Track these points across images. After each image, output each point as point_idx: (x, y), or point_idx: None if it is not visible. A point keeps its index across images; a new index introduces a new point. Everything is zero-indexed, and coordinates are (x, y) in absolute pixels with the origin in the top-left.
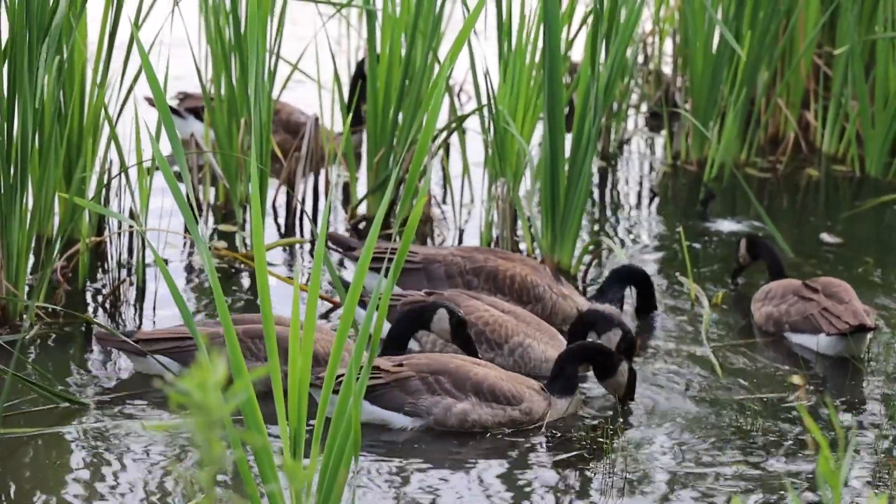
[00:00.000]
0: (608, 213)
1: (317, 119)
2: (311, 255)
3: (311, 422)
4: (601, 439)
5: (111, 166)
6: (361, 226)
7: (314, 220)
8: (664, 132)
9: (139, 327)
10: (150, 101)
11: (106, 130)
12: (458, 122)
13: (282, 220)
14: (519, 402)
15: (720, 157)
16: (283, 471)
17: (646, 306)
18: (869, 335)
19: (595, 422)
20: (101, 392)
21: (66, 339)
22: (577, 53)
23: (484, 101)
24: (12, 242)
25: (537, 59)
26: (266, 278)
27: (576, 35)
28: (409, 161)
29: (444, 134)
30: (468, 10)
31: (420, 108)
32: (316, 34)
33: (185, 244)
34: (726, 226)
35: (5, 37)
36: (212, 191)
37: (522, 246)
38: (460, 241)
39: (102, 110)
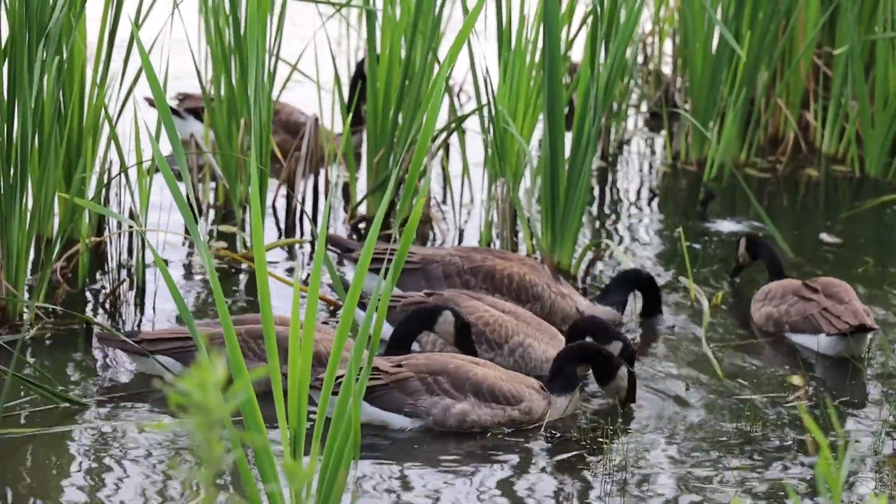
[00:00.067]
0: (608, 213)
1: (316, 119)
2: (311, 256)
3: (312, 414)
4: (601, 440)
5: (111, 166)
6: (361, 226)
7: (314, 221)
8: (664, 132)
9: (139, 327)
10: (150, 102)
11: (106, 131)
12: (457, 122)
13: (282, 221)
14: (518, 402)
15: (720, 157)
16: (283, 471)
17: (651, 311)
18: (869, 335)
19: (595, 422)
20: (101, 392)
21: (65, 339)
22: (577, 53)
23: (484, 101)
24: (12, 242)
25: (537, 59)
26: (266, 278)
27: (576, 35)
28: (409, 161)
29: (444, 134)
30: (468, 11)
31: (420, 108)
32: (315, 34)
33: (184, 244)
34: (726, 226)
35: (5, 37)
36: (211, 191)
37: (522, 246)
38: (460, 242)
39: (102, 110)
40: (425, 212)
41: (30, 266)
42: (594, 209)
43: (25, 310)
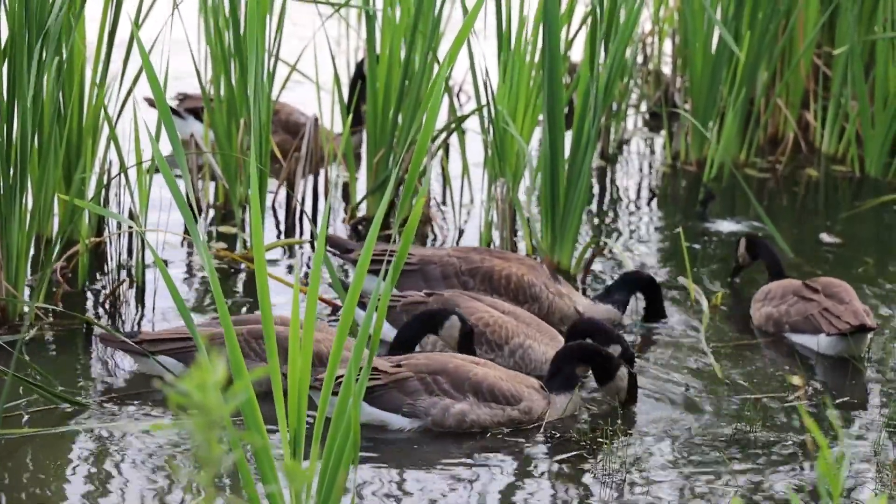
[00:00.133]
0: (608, 213)
1: (316, 119)
2: (311, 256)
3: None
4: (601, 440)
5: (111, 167)
6: (361, 226)
7: (314, 221)
8: (664, 132)
9: (139, 328)
10: (150, 102)
11: (105, 131)
12: (457, 122)
13: (282, 221)
14: (518, 402)
15: (720, 157)
16: (283, 472)
17: (654, 313)
18: (869, 335)
19: (595, 423)
20: (101, 393)
21: (66, 339)
22: (577, 54)
23: (483, 101)
24: (12, 243)
25: (537, 59)
26: (266, 279)
27: (575, 35)
28: (409, 161)
29: (444, 134)
30: (467, 11)
31: (419, 108)
32: (314, 34)
33: (184, 244)
34: (726, 226)
35: (5, 37)
36: (211, 191)
37: (522, 246)
38: (460, 242)
39: (102, 111)
40: (425, 212)
41: (30, 266)
42: (594, 209)
43: (25, 310)
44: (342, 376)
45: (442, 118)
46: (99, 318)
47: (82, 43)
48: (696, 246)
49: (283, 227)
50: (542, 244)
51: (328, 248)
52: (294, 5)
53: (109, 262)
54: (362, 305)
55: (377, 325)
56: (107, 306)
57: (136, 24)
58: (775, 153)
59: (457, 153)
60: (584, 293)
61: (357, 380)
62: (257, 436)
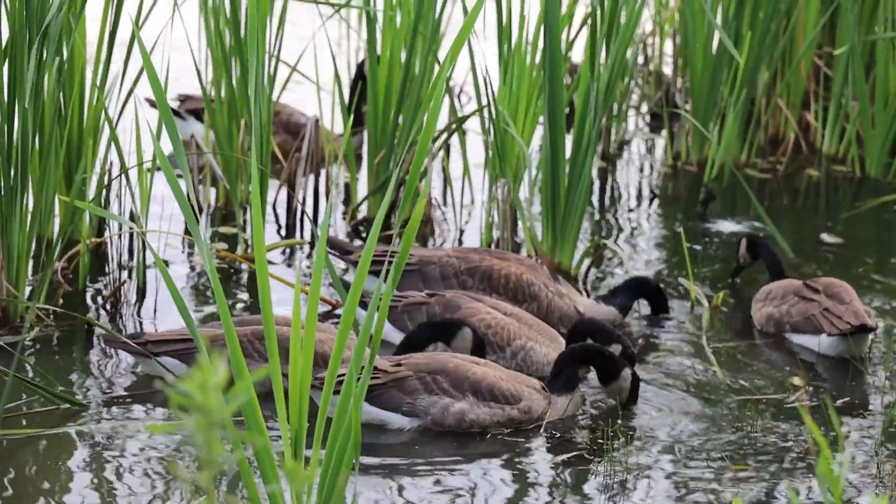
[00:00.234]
0: (608, 214)
1: (317, 120)
2: (311, 257)
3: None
4: (601, 440)
5: (111, 167)
6: (362, 227)
7: (314, 221)
8: (664, 133)
9: (141, 328)
10: (151, 103)
11: (106, 132)
12: (458, 123)
13: (282, 222)
14: (518, 401)
15: (720, 157)
16: (284, 472)
17: (657, 311)
18: (870, 336)
19: (595, 423)
20: (101, 393)
21: (66, 340)
22: (578, 54)
23: (484, 102)
24: (13, 244)
25: (537, 59)
26: (267, 279)
27: (576, 36)
28: (410, 162)
29: (445, 135)
30: (468, 11)
31: (420, 109)
32: (315, 35)
33: (184, 245)
34: (726, 226)
35: (5, 37)
36: (212, 192)
37: (523, 247)
38: (461, 243)
39: (103, 111)
40: (426, 213)
41: (31, 267)
42: (595, 210)
43: (26, 310)
44: (343, 375)
45: (443, 119)
46: (99, 318)
47: (83, 43)
48: (697, 246)
49: (283, 228)
50: (542, 245)
51: (328, 249)
52: (294, 6)
53: (110, 263)
54: (363, 306)
55: (378, 325)
56: (107, 307)
57: (137, 25)
58: (776, 153)
59: (457, 154)
60: (585, 293)
61: (358, 380)
62: (258, 436)
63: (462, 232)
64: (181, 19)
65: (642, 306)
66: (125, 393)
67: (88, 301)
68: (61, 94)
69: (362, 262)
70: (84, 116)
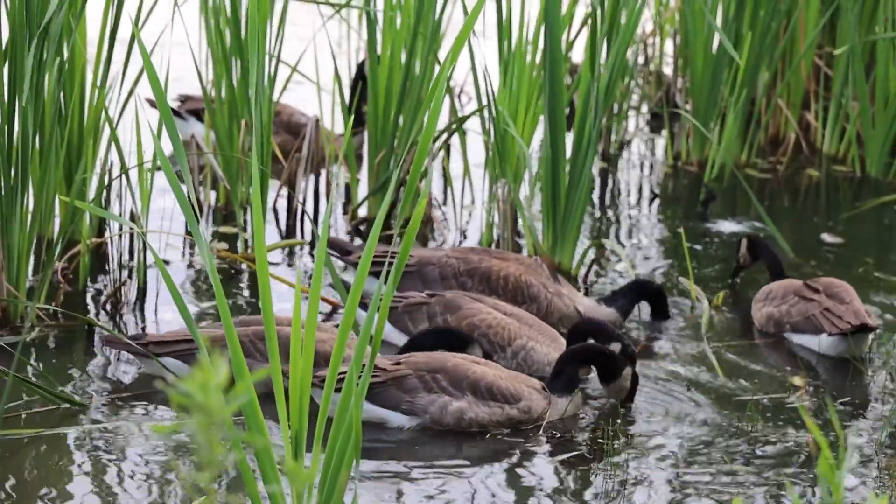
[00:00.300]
0: (609, 214)
1: (318, 120)
2: (312, 257)
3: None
4: (601, 440)
5: (112, 167)
6: (362, 227)
7: (315, 222)
8: (665, 133)
9: (143, 329)
10: (152, 103)
11: (106, 132)
12: (458, 123)
13: (283, 222)
14: (517, 401)
15: (721, 157)
16: (285, 472)
17: (658, 315)
18: (871, 335)
19: (595, 422)
20: (101, 393)
21: (66, 340)
22: (578, 54)
23: (484, 102)
24: (13, 244)
25: (538, 59)
26: (267, 279)
27: (576, 36)
28: (410, 162)
29: (445, 135)
30: (468, 12)
31: (420, 109)
32: (315, 35)
33: (185, 245)
34: (727, 226)
35: (6, 37)
36: (212, 192)
37: (524, 247)
38: (461, 243)
39: (103, 111)
40: (426, 213)
41: (31, 267)
42: (595, 210)
43: (27, 311)
44: (344, 374)
45: (443, 119)
46: (100, 318)
47: (83, 43)
48: (697, 246)
49: (284, 228)
50: (543, 245)
51: (328, 250)
52: (295, 6)
53: (110, 263)
54: (364, 306)
55: (378, 326)
56: (108, 307)
57: (137, 25)
58: (776, 154)
59: (458, 154)
60: (585, 293)
61: (359, 381)
62: (258, 436)
63: (462, 232)
64: (181, 19)
65: (643, 309)
66: (125, 393)
67: (89, 301)
68: (62, 93)
69: (363, 262)
70: (84, 116)
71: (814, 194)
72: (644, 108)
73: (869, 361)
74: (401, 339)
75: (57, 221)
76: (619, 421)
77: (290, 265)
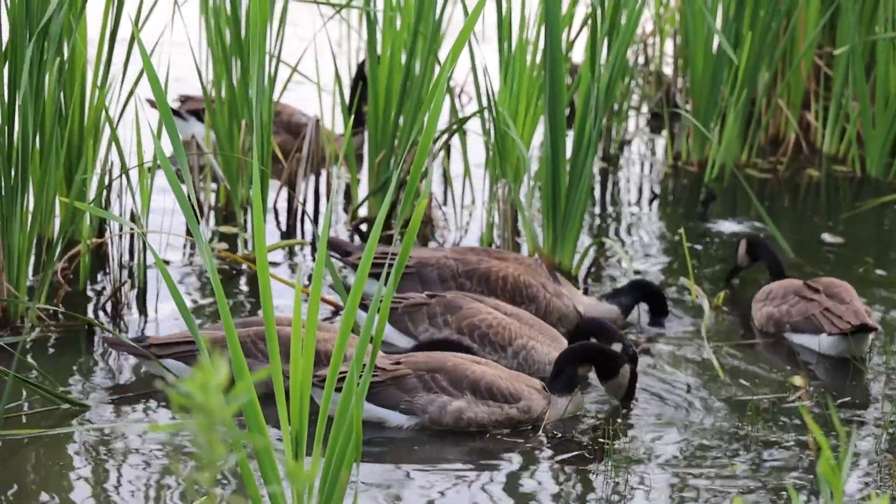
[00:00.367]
0: (609, 213)
1: (318, 120)
2: (313, 257)
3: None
4: (602, 440)
5: (112, 168)
6: (363, 227)
7: (315, 222)
8: (665, 133)
9: (143, 330)
10: (152, 103)
11: (107, 132)
12: (458, 124)
13: (283, 222)
14: (517, 400)
15: (721, 157)
16: (285, 472)
17: (656, 315)
18: (871, 336)
19: (595, 422)
20: (102, 393)
21: (67, 340)
22: (578, 54)
23: (485, 102)
24: (13, 244)
25: (538, 60)
26: (268, 280)
27: (576, 36)
28: (410, 163)
29: (445, 136)
30: (468, 12)
31: (421, 109)
32: (315, 35)
33: (185, 245)
34: (727, 227)
35: (6, 37)
36: (213, 193)
37: (524, 247)
38: (461, 243)
39: (103, 111)
40: (426, 213)
41: (31, 268)
42: (595, 210)
43: (27, 311)
44: (344, 373)
45: (443, 119)
46: (100, 319)
47: (84, 43)
48: (698, 246)
49: (284, 228)
50: (543, 245)
51: (328, 251)
52: (295, 6)
53: (111, 263)
54: (364, 307)
55: (378, 327)
56: (108, 307)
57: (137, 26)
58: (776, 154)
59: (458, 154)
60: (585, 293)
61: (359, 381)
62: (259, 436)
63: (462, 232)
64: (182, 19)
65: (642, 311)
66: (126, 393)
67: (89, 302)
68: (62, 93)
69: (363, 263)
70: (85, 116)
71: (814, 194)
72: (644, 108)
73: (869, 361)
74: (401, 339)
75: (57, 222)
76: (619, 421)
77: (290, 266)
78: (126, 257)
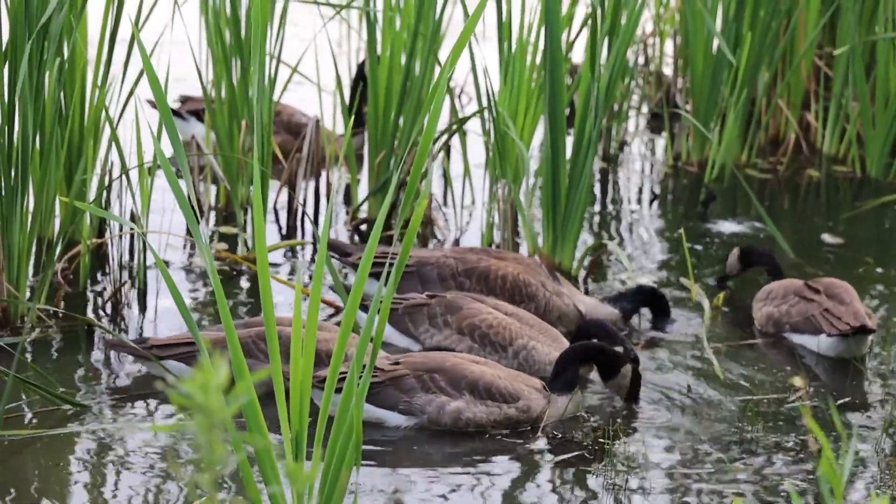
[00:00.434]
0: (609, 214)
1: (318, 121)
2: (313, 257)
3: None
4: (602, 440)
5: (112, 168)
6: (363, 227)
7: (315, 222)
8: (665, 133)
9: (141, 334)
10: (152, 104)
11: (107, 132)
12: (458, 124)
13: (283, 222)
14: (515, 400)
15: (721, 158)
16: (285, 473)
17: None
18: (870, 337)
19: (596, 423)
20: (102, 394)
21: (67, 341)
22: (578, 55)
23: (485, 102)
24: (13, 244)
25: (538, 60)
26: (268, 280)
27: (576, 36)
28: (410, 163)
29: (445, 136)
30: (468, 12)
31: (421, 110)
32: (315, 36)
33: (185, 246)
34: (727, 227)
35: (6, 37)
36: (213, 193)
37: (524, 247)
38: (461, 243)
39: (103, 112)
40: (426, 214)
41: (31, 268)
42: (595, 210)
43: (27, 311)
44: (344, 374)
45: (443, 120)
46: (100, 319)
47: (84, 43)
48: (698, 247)
49: (284, 229)
50: (543, 245)
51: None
52: (295, 6)
53: (111, 264)
54: (364, 308)
55: (379, 328)
56: (108, 308)
57: (137, 26)
58: (776, 154)
59: (458, 154)
60: (586, 293)
61: (359, 382)
62: (259, 437)
63: (463, 232)
64: (182, 19)
65: (643, 314)
66: (126, 393)
67: (89, 302)
68: (62, 93)
69: (363, 263)
70: (85, 116)
71: (814, 194)
72: (644, 109)
73: (869, 362)
74: (402, 340)
75: (57, 222)
76: (619, 421)
77: (290, 266)
78: (126, 257)
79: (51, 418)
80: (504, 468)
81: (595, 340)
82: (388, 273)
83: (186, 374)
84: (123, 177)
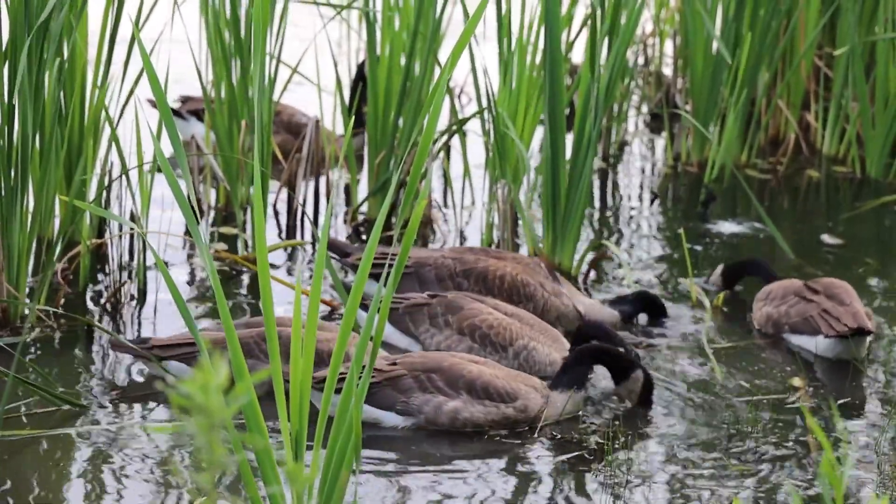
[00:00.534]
0: (609, 214)
1: (318, 121)
2: (313, 258)
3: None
4: (601, 441)
5: (112, 168)
6: (363, 228)
7: (315, 223)
8: (665, 133)
9: (139, 335)
10: (152, 103)
11: (107, 132)
12: (458, 124)
13: (283, 222)
14: (513, 399)
15: (721, 158)
16: (285, 473)
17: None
18: (869, 338)
19: (595, 423)
20: (102, 394)
21: (67, 341)
22: (578, 55)
23: (484, 102)
24: (13, 244)
25: (538, 60)
26: (268, 280)
27: (576, 36)
28: (410, 164)
29: (445, 136)
30: (468, 12)
31: (420, 110)
32: (315, 36)
33: (185, 246)
34: (727, 227)
35: (6, 37)
36: (212, 193)
37: (524, 248)
38: (461, 243)
39: (103, 112)
40: (426, 214)
41: (31, 268)
42: (595, 210)
43: (26, 311)
44: (344, 374)
45: (443, 120)
46: (100, 319)
47: (84, 43)
48: (698, 247)
49: (284, 229)
50: (543, 245)
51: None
52: (295, 7)
53: (111, 264)
54: (364, 308)
55: (379, 328)
56: (108, 308)
57: (137, 26)
58: (776, 154)
59: (458, 155)
60: (587, 294)
61: (359, 382)
62: (259, 437)
63: (462, 233)
64: (181, 19)
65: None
66: (126, 394)
67: (89, 302)
68: (62, 93)
69: (363, 263)
70: (84, 116)
71: (814, 195)
72: (644, 109)
73: (868, 362)
74: (402, 340)
75: (57, 222)
76: (618, 421)
77: (289, 267)
78: (126, 258)
79: (51, 418)
80: (504, 468)
81: (602, 343)
82: (388, 273)
83: (187, 375)
84: (123, 177)
